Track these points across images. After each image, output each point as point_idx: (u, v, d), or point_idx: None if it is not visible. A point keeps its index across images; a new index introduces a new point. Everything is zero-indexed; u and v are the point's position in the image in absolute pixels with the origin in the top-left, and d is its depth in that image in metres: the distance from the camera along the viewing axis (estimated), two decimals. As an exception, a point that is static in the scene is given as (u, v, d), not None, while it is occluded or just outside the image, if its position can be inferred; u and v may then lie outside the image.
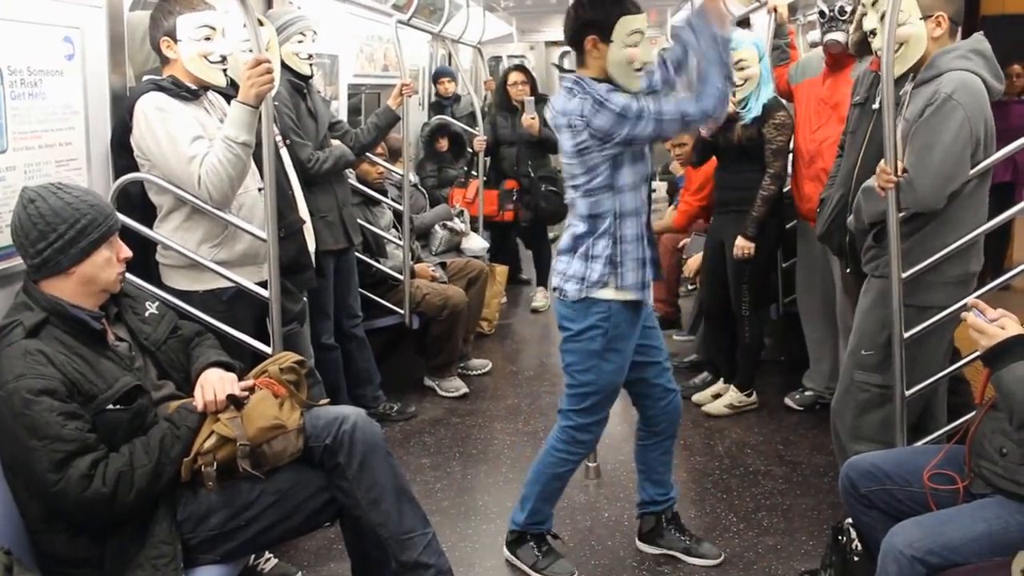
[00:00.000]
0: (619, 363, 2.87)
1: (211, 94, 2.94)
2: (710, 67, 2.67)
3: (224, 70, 2.90)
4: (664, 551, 3.17)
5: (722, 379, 4.61)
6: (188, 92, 2.83)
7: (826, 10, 3.89)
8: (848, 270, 3.30)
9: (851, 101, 3.30)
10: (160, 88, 2.77)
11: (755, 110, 4.06)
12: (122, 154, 2.84)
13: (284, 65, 3.65)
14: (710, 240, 4.55)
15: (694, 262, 5.05)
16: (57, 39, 2.67)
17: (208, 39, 2.84)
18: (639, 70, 2.72)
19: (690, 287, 5.78)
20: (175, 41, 2.83)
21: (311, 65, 3.86)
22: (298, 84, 3.84)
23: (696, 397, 4.57)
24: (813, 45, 4.44)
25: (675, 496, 3.21)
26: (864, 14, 2.96)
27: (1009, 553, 1.96)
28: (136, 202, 2.86)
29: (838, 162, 3.41)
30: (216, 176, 2.68)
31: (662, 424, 3.09)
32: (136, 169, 2.81)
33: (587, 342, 2.82)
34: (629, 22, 2.67)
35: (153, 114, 2.71)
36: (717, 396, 4.54)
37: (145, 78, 2.87)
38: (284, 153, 3.40)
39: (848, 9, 3.79)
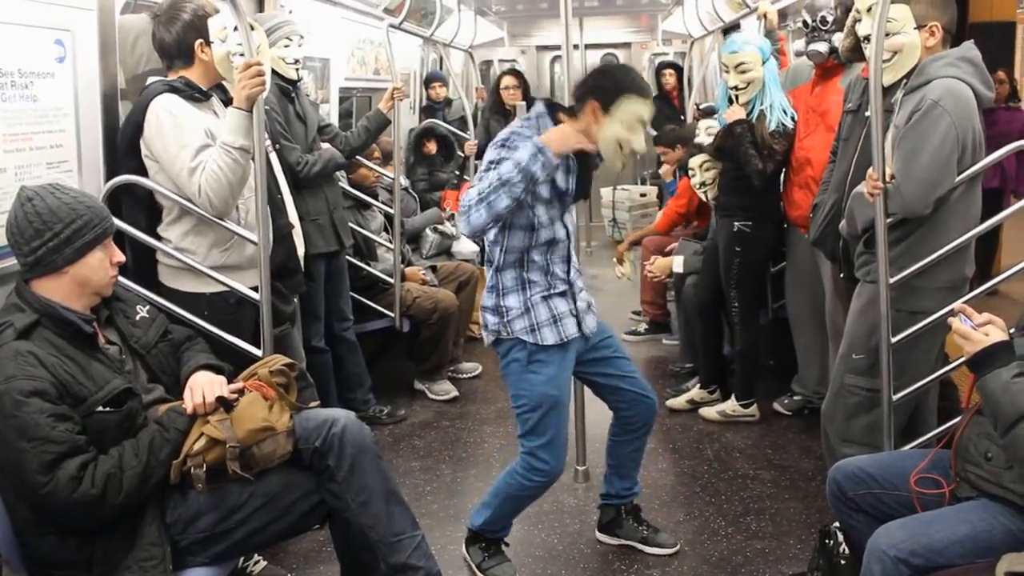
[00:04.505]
0: (548, 376, 2.83)
1: (215, 98, 2.95)
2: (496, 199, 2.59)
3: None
4: (622, 541, 3.27)
5: (699, 384, 4.64)
6: (200, 93, 2.84)
7: (809, 20, 3.91)
8: (842, 275, 3.32)
9: (844, 108, 3.33)
10: (173, 90, 2.78)
11: (777, 115, 4.03)
12: (131, 155, 2.82)
13: (271, 70, 3.64)
14: (710, 241, 4.57)
15: (662, 262, 5.06)
16: (48, 41, 2.67)
17: (225, 40, 2.84)
18: (624, 153, 2.74)
19: (669, 297, 5.77)
20: (208, 44, 2.84)
21: (297, 70, 3.85)
22: (285, 88, 3.84)
23: (670, 402, 4.60)
24: (798, 55, 4.46)
25: (638, 491, 3.29)
26: (858, 20, 2.99)
27: (993, 556, 1.97)
28: (142, 203, 2.87)
29: (830, 168, 3.43)
30: (217, 183, 2.68)
31: (637, 423, 3.14)
32: (144, 170, 2.81)
33: (509, 369, 2.88)
34: (633, 104, 2.69)
35: (166, 118, 2.71)
36: (692, 402, 4.57)
37: (153, 79, 2.86)
38: (273, 158, 3.39)
39: (829, 19, 3.81)
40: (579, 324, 2.89)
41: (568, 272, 2.90)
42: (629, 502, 3.28)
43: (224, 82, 2.95)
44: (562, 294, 2.86)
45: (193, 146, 2.70)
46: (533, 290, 2.83)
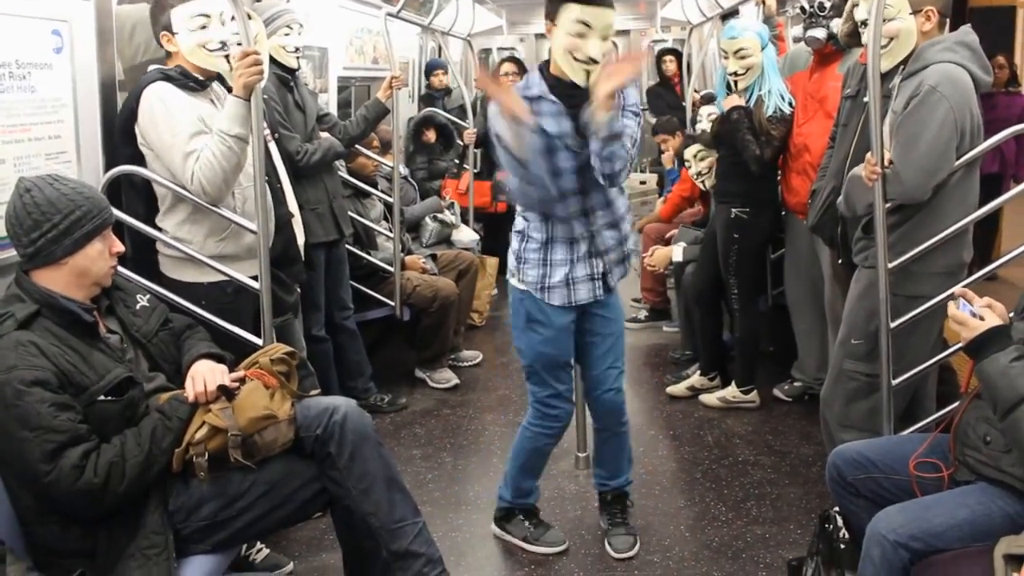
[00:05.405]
0: (546, 336, 2.91)
1: (217, 86, 2.95)
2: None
3: (227, 56, 2.87)
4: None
5: (699, 370, 4.65)
6: (195, 82, 2.85)
7: (806, 6, 3.90)
8: (840, 261, 3.32)
9: (842, 94, 3.33)
10: (168, 78, 2.79)
11: (775, 100, 4.02)
12: (128, 142, 2.84)
13: (271, 58, 3.65)
14: (708, 228, 4.58)
15: (661, 254, 5.06)
16: (45, 32, 2.67)
17: (204, 28, 2.83)
18: (581, 62, 2.63)
19: (669, 284, 5.78)
20: (173, 35, 2.84)
21: (298, 58, 3.86)
22: (284, 77, 3.85)
23: (670, 389, 4.63)
24: (796, 40, 4.45)
25: (614, 485, 3.24)
26: (855, 4, 2.99)
27: (991, 539, 1.97)
28: (141, 192, 2.88)
29: (829, 153, 3.43)
30: (210, 170, 2.69)
31: (601, 419, 3.15)
32: (141, 158, 2.82)
33: (515, 317, 2.98)
34: (572, 10, 2.60)
35: (158, 105, 2.72)
36: (692, 388, 4.58)
37: (152, 67, 2.88)
38: (272, 147, 3.40)
39: (827, 5, 3.80)
40: (600, 286, 2.89)
41: (591, 224, 2.82)
42: (608, 492, 3.25)
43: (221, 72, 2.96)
44: (585, 256, 2.84)
45: (185, 133, 2.71)
46: (556, 249, 2.84)
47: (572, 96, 2.69)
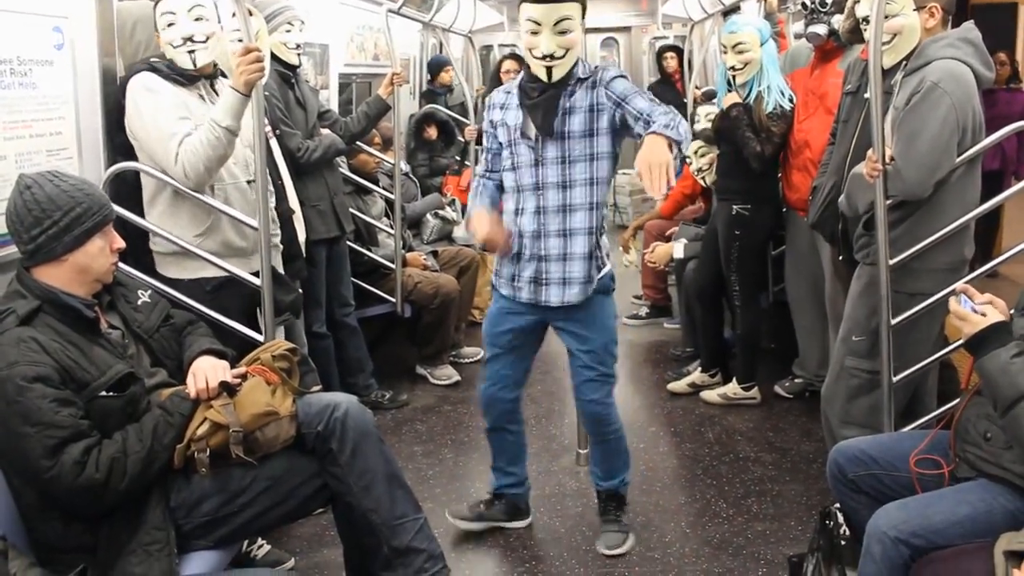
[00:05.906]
0: (490, 312, 3.17)
1: (218, 83, 2.97)
2: None
3: (190, 52, 2.87)
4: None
5: (700, 367, 4.65)
6: (182, 76, 2.85)
7: (808, 2, 3.89)
8: (841, 258, 3.32)
9: (843, 90, 3.32)
10: (153, 69, 2.82)
11: (774, 96, 4.02)
12: (119, 132, 2.88)
13: (272, 55, 3.66)
14: (709, 225, 4.59)
15: (662, 250, 5.06)
16: (47, 29, 2.68)
17: (172, 25, 2.86)
18: (538, 58, 2.73)
19: (670, 281, 5.78)
20: (157, 34, 2.88)
21: (299, 55, 3.87)
22: (286, 74, 3.85)
23: (671, 386, 4.64)
24: (797, 37, 4.45)
25: (607, 486, 3.24)
26: (857, 1, 2.98)
27: (992, 536, 1.98)
28: (133, 189, 2.90)
29: (830, 150, 3.43)
30: (194, 155, 2.71)
31: (586, 426, 3.19)
32: (132, 147, 2.84)
33: None
34: (524, 10, 2.72)
35: (140, 93, 2.76)
36: (693, 385, 4.58)
37: (151, 60, 2.90)
38: (273, 143, 3.40)
39: (829, 1, 3.79)
40: (534, 290, 2.95)
41: (541, 223, 2.87)
42: (602, 492, 3.27)
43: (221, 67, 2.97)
44: (532, 257, 2.91)
45: (169, 116, 2.75)
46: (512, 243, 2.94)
47: (533, 90, 2.81)
